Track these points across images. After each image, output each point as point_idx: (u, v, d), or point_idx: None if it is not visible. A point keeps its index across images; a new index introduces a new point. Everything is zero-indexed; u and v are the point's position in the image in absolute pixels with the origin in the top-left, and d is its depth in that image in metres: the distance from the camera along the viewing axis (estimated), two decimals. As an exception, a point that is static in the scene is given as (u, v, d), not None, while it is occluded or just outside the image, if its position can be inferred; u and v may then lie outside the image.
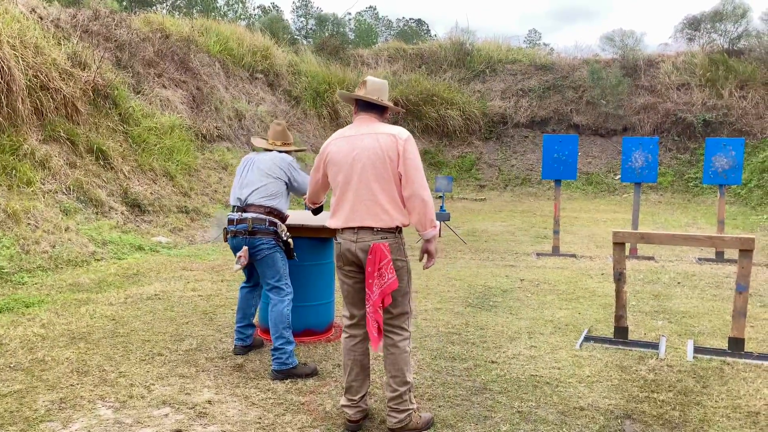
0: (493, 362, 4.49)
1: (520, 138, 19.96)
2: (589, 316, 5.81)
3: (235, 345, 4.69)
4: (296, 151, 4.93)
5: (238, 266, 4.26)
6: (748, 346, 4.81)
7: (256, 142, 4.85)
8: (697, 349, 4.79)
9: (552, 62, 21.60)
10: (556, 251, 9.19)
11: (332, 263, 5.18)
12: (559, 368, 4.39)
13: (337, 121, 19.33)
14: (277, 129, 4.74)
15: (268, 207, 4.34)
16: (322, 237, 4.95)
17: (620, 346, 4.89)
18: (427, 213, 3.25)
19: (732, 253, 8.81)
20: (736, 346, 4.67)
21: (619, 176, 17.62)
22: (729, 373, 4.35)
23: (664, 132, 18.47)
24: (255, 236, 4.26)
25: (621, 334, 4.98)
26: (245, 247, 4.26)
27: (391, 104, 3.46)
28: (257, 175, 4.41)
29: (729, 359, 4.59)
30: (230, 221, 4.39)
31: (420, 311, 5.91)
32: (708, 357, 4.66)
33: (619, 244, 4.95)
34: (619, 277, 4.93)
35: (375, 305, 3.24)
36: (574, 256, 9.07)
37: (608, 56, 21.40)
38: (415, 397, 3.74)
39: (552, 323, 5.53)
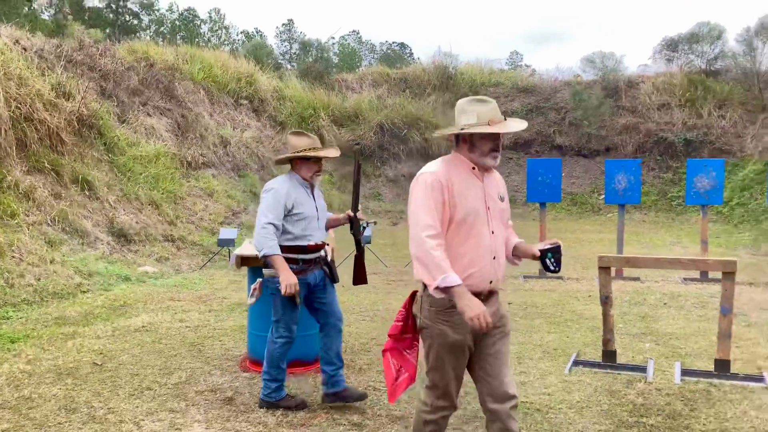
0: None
1: (505, 160, 20.11)
2: (578, 339, 5.84)
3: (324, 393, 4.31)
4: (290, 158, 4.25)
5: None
6: (734, 367, 4.86)
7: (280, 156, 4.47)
8: (685, 372, 4.83)
9: (534, 84, 21.89)
10: (542, 274, 9.24)
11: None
12: (549, 394, 4.41)
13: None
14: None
15: None
16: (311, 266, 4.95)
17: (609, 370, 4.92)
18: (416, 268, 2.69)
19: (717, 272, 8.91)
20: (722, 367, 4.72)
21: (603, 197, 17.81)
22: (716, 395, 4.39)
23: (646, 152, 18.72)
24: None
25: (609, 357, 5.01)
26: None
27: (448, 132, 2.89)
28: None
29: (716, 381, 4.64)
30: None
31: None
32: (695, 379, 4.70)
33: (604, 269, 5.01)
34: (606, 301, 4.97)
35: (383, 350, 3.09)
36: (560, 278, 9.12)
37: (589, 78, 21.74)
38: (406, 428, 3.74)
39: (541, 348, 5.55)
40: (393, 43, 40.97)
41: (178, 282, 8.79)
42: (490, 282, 2.78)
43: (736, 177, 16.39)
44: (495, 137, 2.78)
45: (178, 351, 5.50)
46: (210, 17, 39.50)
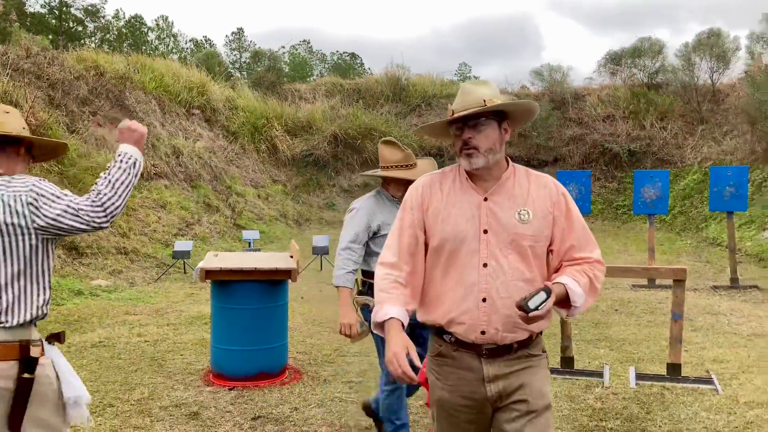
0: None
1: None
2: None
3: None
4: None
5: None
6: (685, 371, 5.09)
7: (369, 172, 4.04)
8: (639, 376, 5.03)
9: (485, 96, 22.32)
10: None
11: (284, 305, 5.20)
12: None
13: (276, 155, 19.34)
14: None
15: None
16: (274, 279, 4.97)
17: (567, 376, 5.08)
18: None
19: (664, 279, 9.26)
20: (674, 371, 4.94)
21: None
22: (669, 398, 4.59)
23: (593, 162, 19.30)
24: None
25: (567, 364, 5.18)
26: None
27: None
28: None
29: (668, 384, 4.85)
30: None
31: (373, 349, 5.95)
32: (649, 383, 4.90)
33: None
34: (564, 309, 5.13)
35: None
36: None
37: (537, 90, 22.29)
38: (376, 437, 3.79)
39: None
40: (344, 53, 41.08)
41: (132, 295, 8.63)
42: (482, 333, 2.04)
43: (677, 186, 17.05)
44: (457, 131, 2.10)
45: (138, 366, 5.41)
46: (157, 25, 38.85)
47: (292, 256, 5.25)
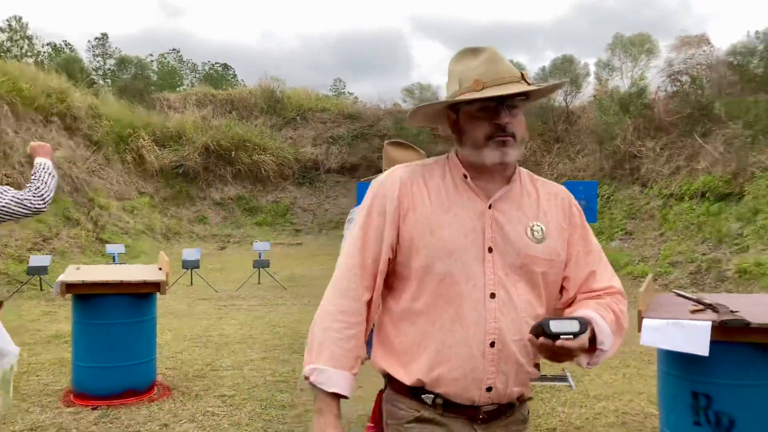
0: (322, 406, 4.63)
1: (333, 183, 20.61)
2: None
3: None
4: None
5: None
6: (544, 370, 5.47)
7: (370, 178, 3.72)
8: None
9: (358, 111, 22.72)
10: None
11: (152, 320, 5.02)
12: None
13: (143, 166, 18.53)
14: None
15: None
16: (141, 293, 4.80)
17: (535, 381, 5.29)
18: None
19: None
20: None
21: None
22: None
23: (461, 177, 20.19)
24: None
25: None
26: None
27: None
28: None
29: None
30: None
31: (245, 362, 5.89)
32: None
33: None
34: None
35: None
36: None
37: (409, 107, 22.99)
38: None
39: (374, 363, 5.82)
40: (216, 63, 40.13)
41: (-21, 315, 7.92)
42: (488, 389, 1.50)
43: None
44: (494, 111, 1.50)
45: (-13, 390, 4.99)
46: (10, 26, 35.98)
47: (161, 268, 5.10)
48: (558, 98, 21.49)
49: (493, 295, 1.49)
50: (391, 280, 1.58)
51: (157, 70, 35.31)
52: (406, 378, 1.53)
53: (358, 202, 10.11)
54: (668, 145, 14.93)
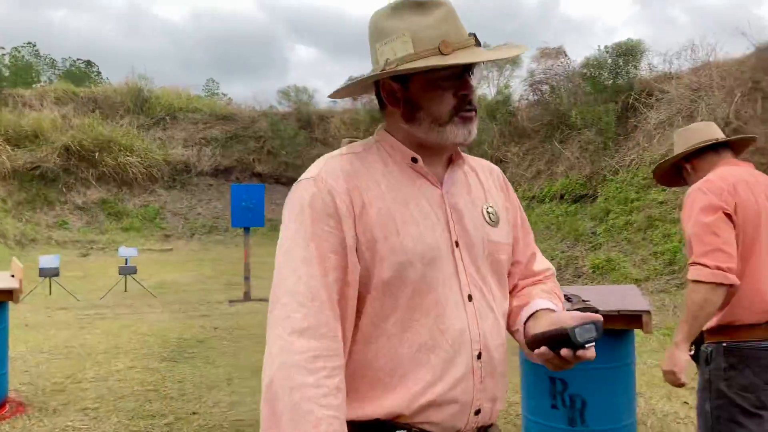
0: (194, 413, 4.49)
1: (205, 186, 20.01)
2: (284, 356, 6.15)
3: None
4: None
5: None
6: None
7: None
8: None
9: (233, 112, 22.22)
10: (247, 297, 9.44)
11: (3, 330, 4.63)
12: (260, 409, 4.59)
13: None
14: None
15: None
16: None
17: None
18: (263, 413, 1.18)
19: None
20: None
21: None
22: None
23: (338, 180, 20.31)
24: None
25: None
26: None
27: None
28: None
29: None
30: None
31: (111, 373, 5.58)
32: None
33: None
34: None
35: None
36: (265, 300, 9.42)
37: (285, 109, 22.82)
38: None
39: (249, 368, 5.72)
40: (78, 59, 37.63)
41: None
42: (476, 413, 1.28)
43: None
44: (458, 79, 1.26)
45: None
46: None
47: (13, 276, 4.72)
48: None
49: (470, 297, 1.28)
50: (343, 301, 1.19)
51: (9, 64, 32.59)
52: (376, 413, 1.20)
53: (233, 205, 9.83)
54: (530, 151, 15.87)
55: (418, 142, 1.30)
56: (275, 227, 19.24)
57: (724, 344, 2.26)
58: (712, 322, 2.26)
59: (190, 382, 5.27)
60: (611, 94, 14.42)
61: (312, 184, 1.24)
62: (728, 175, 2.32)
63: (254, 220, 9.67)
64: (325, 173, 1.25)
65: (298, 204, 1.25)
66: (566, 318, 1.21)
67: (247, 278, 9.57)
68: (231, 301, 9.36)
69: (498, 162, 16.40)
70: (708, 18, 50.28)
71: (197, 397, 4.87)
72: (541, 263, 1.49)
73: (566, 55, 16.43)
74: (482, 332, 1.27)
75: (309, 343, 1.13)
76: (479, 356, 1.26)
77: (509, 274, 1.43)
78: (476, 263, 1.31)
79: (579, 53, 43.22)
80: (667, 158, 2.68)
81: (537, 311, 1.34)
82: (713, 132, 2.53)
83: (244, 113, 22.24)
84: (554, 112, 15.71)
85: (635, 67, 14.70)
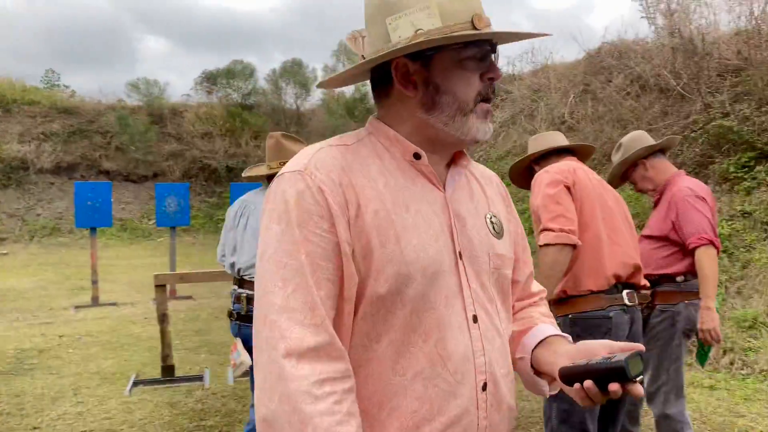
0: (35, 428, 4.21)
1: (46, 185, 18.51)
2: (137, 361, 5.89)
3: None
4: None
5: (236, 370, 3.06)
6: (179, 371, 5.60)
7: (252, 171, 3.35)
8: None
9: (75, 105, 20.72)
10: (95, 302, 8.90)
11: None
12: (109, 418, 4.38)
13: None
14: (269, 144, 3.28)
15: None
16: None
17: (169, 384, 5.13)
18: None
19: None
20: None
21: (154, 221, 17.97)
22: (263, 388, 5.02)
23: (193, 177, 19.63)
24: (251, 324, 3.00)
25: (168, 372, 5.23)
26: (236, 340, 3.13)
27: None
28: (257, 233, 2.94)
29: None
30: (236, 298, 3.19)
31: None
32: (246, 378, 5.25)
33: (160, 287, 5.21)
34: (163, 319, 5.18)
35: None
36: (115, 304, 8.94)
37: (134, 103, 21.65)
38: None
39: (98, 375, 5.43)
40: None
41: None
42: None
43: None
44: (490, 65, 1.13)
45: None
46: None
47: None
48: (289, 100, 22.09)
49: (475, 318, 1.12)
50: (338, 318, 1.05)
51: None
52: None
53: (77, 204, 9.27)
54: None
55: (428, 136, 1.14)
56: (125, 227, 18.32)
57: (570, 316, 2.52)
58: (559, 293, 2.52)
59: (31, 394, 4.91)
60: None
61: (299, 178, 1.06)
62: (568, 163, 2.68)
63: (101, 219, 9.13)
64: (314, 165, 1.07)
65: (282, 201, 1.05)
66: (598, 347, 1.06)
67: (95, 282, 9.01)
68: (77, 307, 8.77)
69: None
70: (547, 24, 54.24)
71: (38, 410, 4.55)
72: (537, 284, 1.39)
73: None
74: (488, 359, 1.11)
75: (313, 366, 0.97)
76: (484, 387, 1.10)
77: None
78: (481, 278, 1.15)
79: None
80: (521, 159, 3.01)
81: (547, 338, 1.20)
82: (560, 140, 2.89)
83: (88, 106, 20.81)
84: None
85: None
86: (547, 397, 1.22)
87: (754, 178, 7.28)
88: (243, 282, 3.17)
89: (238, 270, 3.20)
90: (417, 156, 1.13)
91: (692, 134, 8.36)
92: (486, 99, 1.12)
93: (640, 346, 1.02)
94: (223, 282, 8.88)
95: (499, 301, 1.19)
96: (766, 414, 4.33)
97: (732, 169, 7.54)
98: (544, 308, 1.34)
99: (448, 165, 1.20)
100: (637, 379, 1.00)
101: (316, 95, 22.02)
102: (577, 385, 1.02)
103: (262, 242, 1.07)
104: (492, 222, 1.22)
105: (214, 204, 19.35)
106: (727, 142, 7.78)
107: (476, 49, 1.09)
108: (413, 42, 1.04)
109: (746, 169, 7.45)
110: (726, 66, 8.75)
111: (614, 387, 0.98)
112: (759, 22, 8.62)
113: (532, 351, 1.20)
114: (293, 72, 21.61)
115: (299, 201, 1.03)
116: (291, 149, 3.16)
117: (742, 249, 6.58)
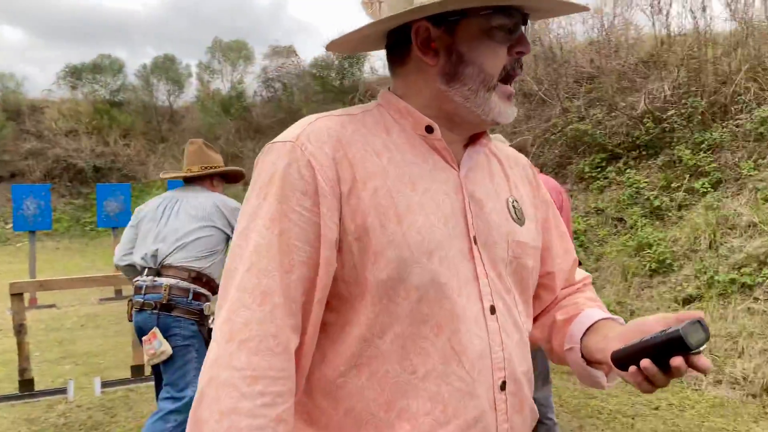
0: None
1: None
2: (-10, 376, 5.48)
3: None
4: (224, 172, 3.44)
5: (154, 359, 3.02)
6: (148, 370, 5.42)
7: (169, 174, 3.61)
8: (105, 384, 5.14)
9: None
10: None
11: None
12: (-41, 440, 4.06)
13: None
14: (191, 149, 3.39)
15: (196, 271, 3.09)
16: None
17: (28, 399, 4.82)
18: None
19: (129, 290, 9.54)
20: (138, 372, 5.22)
21: (11, 225, 16.65)
22: (133, 398, 4.84)
23: (56, 178, 18.40)
24: (171, 313, 3.03)
25: (26, 387, 4.90)
26: (155, 329, 3.04)
27: None
28: (185, 222, 3.13)
29: (132, 386, 5.10)
30: (137, 289, 3.14)
31: None
32: (114, 389, 5.05)
33: (17, 295, 4.88)
34: (20, 329, 4.85)
35: None
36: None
37: (-11, 97, 19.98)
38: None
39: None
40: None
41: None
42: None
43: (142, 201, 17.71)
44: (519, 37, 1.02)
45: None
46: None
47: None
48: (161, 97, 21.25)
49: (492, 309, 1.01)
50: (306, 308, 0.94)
51: None
52: None
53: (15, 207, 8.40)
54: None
55: (445, 111, 1.03)
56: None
57: None
58: None
59: None
60: (339, 94, 15.28)
61: (288, 150, 0.96)
62: None
63: (-52, 225, 8.37)
64: (306, 136, 0.97)
65: (267, 173, 0.95)
66: (652, 323, 0.96)
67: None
68: None
69: (234, 157, 16.35)
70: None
71: None
72: (580, 271, 1.28)
73: (296, 54, 16.99)
74: (508, 355, 1.00)
75: (249, 358, 0.87)
76: (503, 386, 1.00)
77: (544, 288, 1.20)
78: (497, 267, 1.04)
79: (310, 53, 44.84)
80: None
81: (595, 323, 1.09)
82: None
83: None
84: (287, 109, 16.16)
85: (359, 70, 15.78)
86: (605, 387, 1.10)
87: (606, 178, 7.94)
88: (165, 269, 3.11)
89: (162, 258, 3.12)
90: (429, 129, 1.02)
91: (552, 137, 8.98)
92: (510, 75, 1.03)
93: (699, 313, 0.92)
94: (91, 288, 8.45)
95: (517, 293, 1.08)
96: (614, 394, 4.75)
97: (587, 169, 8.18)
98: (590, 293, 1.23)
99: (465, 147, 1.09)
100: (701, 349, 0.89)
101: (190, 93, 21.35)
102: (632, 368, 0.92)
103: (240, 213, 0.98)
104: (513, 207, 1.10)
105: (80, 206, 18.23)
106: (583, 144, 8.43)
107: (506, 19, 0.99)
108: (440, 0, 0.94)
109: (599, 169, 8.11)
110: (581, 73, 9.47)
111: (677, 361, 0.88)
112: (608, 33, 9.39)
113: (581, 339, 1.09)
114: (165, 68, 20.81)
115: (284, 174, 0.94)
116: (213, 156, 3.38)
117: (595, 243, 7.16)
